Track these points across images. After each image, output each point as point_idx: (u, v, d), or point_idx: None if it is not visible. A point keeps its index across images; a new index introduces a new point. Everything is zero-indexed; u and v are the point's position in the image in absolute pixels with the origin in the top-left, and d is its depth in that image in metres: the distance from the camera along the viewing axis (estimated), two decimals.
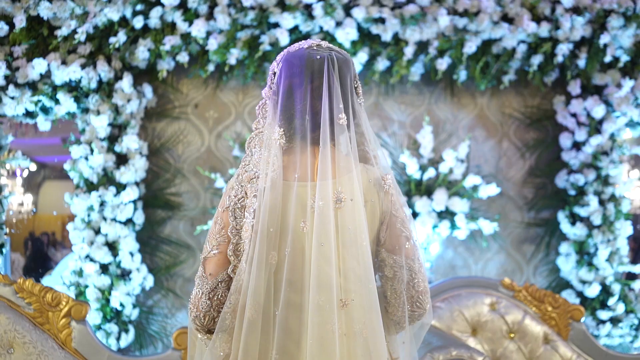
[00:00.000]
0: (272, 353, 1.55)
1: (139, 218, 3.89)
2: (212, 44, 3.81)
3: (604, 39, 3.98)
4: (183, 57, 3.87)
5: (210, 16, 3.83)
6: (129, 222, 3.86)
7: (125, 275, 3.84)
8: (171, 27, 3.85)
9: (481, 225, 3.95)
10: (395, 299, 1.69)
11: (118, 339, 3.81)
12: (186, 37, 3.85)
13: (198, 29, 3.76)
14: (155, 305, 4.06)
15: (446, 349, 2.36)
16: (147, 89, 3.97)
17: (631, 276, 4.30)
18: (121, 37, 3.75)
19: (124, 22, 3.80)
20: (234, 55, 3.86)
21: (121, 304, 3.78)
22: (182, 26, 3.80)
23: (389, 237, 1.68)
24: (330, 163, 1.61)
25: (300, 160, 1.62)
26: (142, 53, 3.82)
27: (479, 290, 3.13)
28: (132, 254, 3.84)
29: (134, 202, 3.86)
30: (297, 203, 1.60)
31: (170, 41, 3.79)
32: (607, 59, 4.03)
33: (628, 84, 4.02)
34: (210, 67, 3.94)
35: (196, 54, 3.94)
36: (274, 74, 1.70)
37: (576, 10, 4.00)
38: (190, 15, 3.81)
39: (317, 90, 1.63)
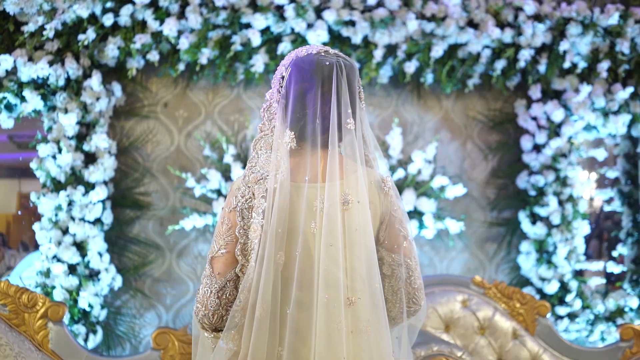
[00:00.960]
0: (279, 350, 1.59)
1: (108, 218, 3.85)
2: (184, 43, 3.80)
3: (563, 45, 4.15)
4: (154, 56, 3.85)
5: (181, 15, 3.82)
6: (97, 221, 3.81)
7: (93, 275, 3.80)
8: (142, 26, 3.82)
9: (448, 224, 4.06)
10: (392, 295, 1.75)
11: (86, 340, 3.76)
12: (157, 36, 3.83)
13: (170, 27, 3.75)
14: (124, 306, 4.02)
15: (427, 345, 2.44)
16: (117, 88, 3.93)
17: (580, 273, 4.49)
18: (90, 34, 3.70)
19: (93, 19, 3.75)
20: (205, 54, 3.86)
21: (89, 305, 3.73)
22: (153, 25, 3.77)
23: (388, 237, 1.74)
24: (338, 165, 1.67)
25: (310, 162, 1.67)
26: (111, 51, 3.78)
27: (452, 287, 3.23)
28: (100, 254, 3.79)
29: (103, 201, 3.82)
30: (307, 204, 1.64)
31: (141, 39, 3.76)
32: (566, 64, 4.20)
33: (585, 89, 4.20)
34: (181, 67, 3.93)
35: (167, 53, 3.92)
36: (282, 77, 1.73)
37: (537, 18, 4.16)
38: (162, 14, 3.79)
39: (327, 95, 1.68)
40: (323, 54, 1.73)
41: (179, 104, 4.14)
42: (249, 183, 1.68)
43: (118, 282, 3.89)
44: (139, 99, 4.09)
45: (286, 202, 1.63)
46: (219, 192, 3.84)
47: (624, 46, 4.22)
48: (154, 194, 4.09)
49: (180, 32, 3.83)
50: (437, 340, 2.51)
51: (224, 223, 1.70)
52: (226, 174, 3.89)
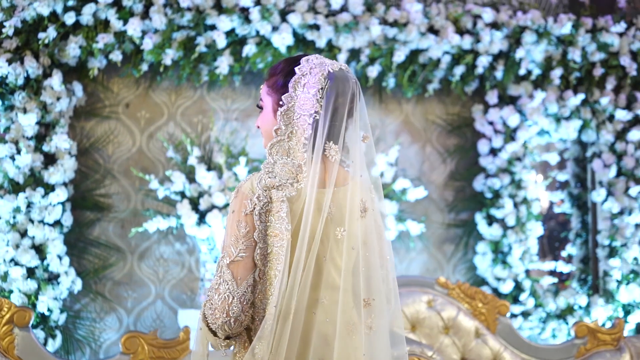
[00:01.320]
0: (306, 352, 1.66)
1: (68, 220, 3.78)
2: (148, 44, 3.76)
3: (519, 53, 4.30)
4: (116, 56, 3.80)
5: (145, 15, 3.78)
6: (57, 224, 3.73)
7: (52, 279, 3.72)
8: (104, 25, 3.76)
9: (409, 226, 4.16)
10: None
11: (45, 345, 3.68)
12: (120, 36, 3.78)
13: (134, 28, 3.71)
14: (83, 310, 3.95)
15: (398, 345, 2.49)
16: (77, 87, 3.86)
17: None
18: (51, 32, 3.62)
19: (54, 17, 3.68)
20: (170, 55, 3.83)
21: (49, 309, 3.65)
22: (116, 24, 3.72)
23: None
24: (357, 175, 1.78)
25: (334, 170, 1.74)
26: (73, 50, 3.71)
27: (417, 288, 3.32)
28: (60, 257, 3.72)
29: (63, 203, 3.74)
30: (335, 210, 1.73)
31: (103, 39, 3.71)
32: (522, 71, 4.35)
33: (539, 95, 4.37)
34: (144, 67, 3.89)
35: (130, 53, 3.87)
36: (322, 89, 1.74)
37: (495, 26, 4.29)
38: (125, 14, 3.74)
39: (352, 111, 1.79)
40: (344, 69, 1.81)
41: (141, 104, 4.10)
42: (266, 187, 1.70)
43: (78, 285, 3.81)
44: (100, 99, 4.03)
45: (312, 208, 1.69)
46: (182, 194, 3.82)
47: (575, 54, 4.39)
48: (115, 195, 4.03)
49: (144, 33, 3.79)
50: (409, 340, 2.58)
51: (240, 227, 1.68)
52: (190, 176, 3.87)
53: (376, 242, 1.77)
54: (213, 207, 3.77)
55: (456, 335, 3.25)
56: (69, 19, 3.66)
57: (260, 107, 1.84)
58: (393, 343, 1.79)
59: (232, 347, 1.72)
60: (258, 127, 1.85)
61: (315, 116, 1.74)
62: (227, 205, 3.75)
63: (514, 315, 4.36)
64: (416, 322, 3.24)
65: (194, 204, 3.80)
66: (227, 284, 1.65)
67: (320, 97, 1.74)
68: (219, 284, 1.65)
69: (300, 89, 1.75)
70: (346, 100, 1.77)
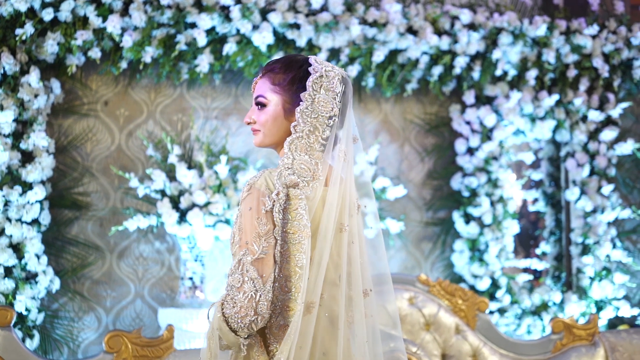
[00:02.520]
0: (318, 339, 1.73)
1: (45, 218, 3.74)
2: (127, 41, 3.74)
3: (495, 54, 4.37)
4: (95, 53, 3.77)
5: (125, 12, 3.76)
6: (34, 222, 3.69)
7: (30, 278, 3.67)
8: (83, 22, 3.73)
9: (388, 224, 4.20)
10: None
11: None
12: (99, 33, 3.75)
13: (113, 25, 3.68)
14: (62, 309, 3.91)
15: (383, 342, 2.52)
16: (55, 84, 3.81)
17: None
18: (28, 29, 3.58)
19: (31, 13, 3.63)
20: (149, 53, 3.81)
21: (26, 308, 3.61)
22: (95, 21, 3.69)
23: None
24: (350, 174, 1.85)
25: (340, 169, 1.81)
26: (51, 47, 3.67)
27: (399, 286, 3.36)
28: (38, 256, 3.67)
29: (41, 202, 3.70)
30: (340, 206, 1.79)
31: (82, 36, 3.67)
32: (498, 72, 4.43)
33: (515, 95, 4.44)
34: (123, 64, 3.86)
35: (109, 50, 3.84)
36: (340, 92, 1.81)
37: (472, 27, 4.35)
38: (104, 10, 3.72)
39: (349, 114, 1.88)
40: (347, 75, 1.89)
41: (120, 102, 4.07)
42: (287, 184, 1.72)
43: (56, 284, 3.77)
44: (79, 97, 4.00)
45: (327, 204, 1.76)
46: (163, 193, 3.81)
47: (550, 56, 4.48)
48: (94, 194, 4.00)
49: (123, 30, 3.77)
50: (391, 337, 2.61)
51: (260, 224, 1.68)
52: (170, 174, 3.85)
53: (363, 238, 1.89)
54: (194, 205, 3.76)
55: (437, 332, 3.29)
56: (47, 15, 3.62)
57: (261, 104, 1.84)
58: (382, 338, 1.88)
59: (230, 351, 1.75)
60: (249, 123, 1.86)
61: (335, 119, 1.80)
62: (208, 203, 3.74)
63: (491, 312, 4.43)
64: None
65: (175, 202, 3.79)
66: (252, 282, 1.64)
67: (339, 101, 1.81)
68: (241, 282, 1.63)
69: (320, 90, 1.79)
70: (350, 104, 1.87)
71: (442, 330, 3.30)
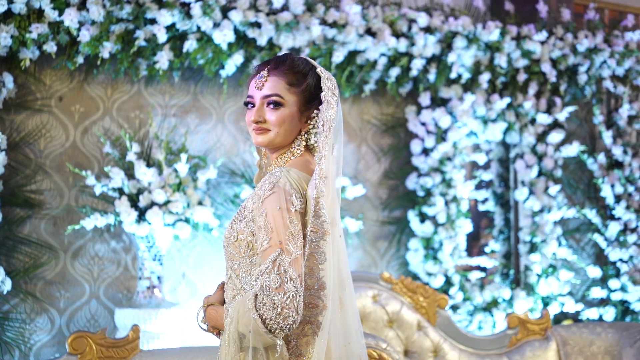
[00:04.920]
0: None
1: None
2: (85, 36, 3.65)
3: (450, 57, 4.48)
4: (51, 47, 3.66)
5: (82, 6, 3.67)
6: None
7: None
8: (38, 14, 3.62)
9: (347, 223, 4.24)
10: None
11: None
12: (55, 26, 3.64)
13: (71, 18, 3.58)
14: (12, 311, 3.78)
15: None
16: (8, 78, 3.68)
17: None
18: None
19: None
20: (107, 48, 3.73)
21: None
22: (51, 14, 3.59)
23: None
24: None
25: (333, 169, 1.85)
26: (4, 39, 3.54)
27: (363, 284, 3.40)
28: None
29: None
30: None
31: (37, 29, 3.56)
32: (453, 75, 4.54)
33: (469, 98, 4.57)
34: (80, 59, 3.77)
35: (65, 45, 3.74)
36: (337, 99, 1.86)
37: (428, 30, 4.45)
38: (61, 4, 3.61)
39: None
40: None
41: (75, 98, 3.97)
42: (318, 183, 1.75)
43: (7, 285, 3.63)
44: (32, 92, 3.87)
45: (336, 203, 1.82)
46: (121, 191, 3.73)
47: (501, 60, 4.63)
48: (47, 192, 3.88)
49: (81, 24, 3.67)
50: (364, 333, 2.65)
51: (292, 223, 1.68)
52: (129, 172, 3.78)
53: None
54: (153, 204, 3.71)
55: (400, 329, 3.36)
56: (0, 6, 3.49)
57: (277, 103, 1.82)
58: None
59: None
60: (258, 121, 1.83)
61: (334, 122, 1.82)
62: (167, 202, 3.70)
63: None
64: (363, 316, 3.32)
65: (133, 201, 3.72)
66: (293, 282, 1.63)
67: (336, 104, 1.84)
68: (280, 282, 1.62)
69: (329, 92, 1.82)
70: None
71: (405, 327, 3.36)
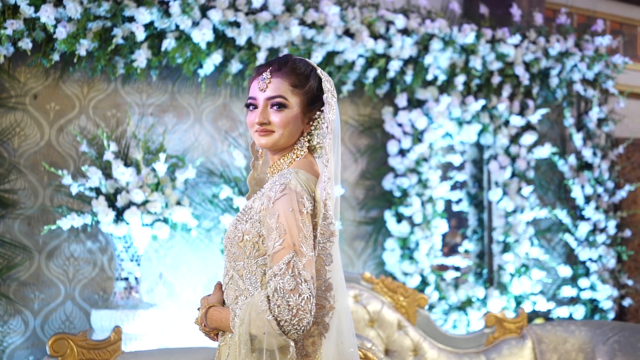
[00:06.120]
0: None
1: None
2: (61, 33, 3.59)
3: (427, 59, 4.53)
4: (26, 44, 3.59)
5: (59, 3, 3.61)
6: None
7: None
8: (13, 10, 3.55)
9: None
10: None
11: None
12: (30, 23, 3.58)
13: (47, 15, 3.52)
14: None
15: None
16: None
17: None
18: None
19: None
20: (84, 46, 3.67)
21: None
22: (26, 10, 3.52)
23: None
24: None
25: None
26: None
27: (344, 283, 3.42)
28: None
29: None
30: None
31: (12, 25, 3.49)
32: (429, 77, 4.59)
33: (445, 100, 4.62)
34: (55, 57, 3.70)
35: (40, 42, 3.67)
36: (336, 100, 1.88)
37: (406, 32, 4.49)
38: (37, 0, 3.55)
39: None
40: None
41: (51, 96, 3.90)
42: (312, 186, 1.75)
43: None
44: (6, 89, 3.79)
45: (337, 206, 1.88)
46: (98, 191, 3.68)
47: (476, 63, 4.70)
48: (21, 191, 3.81)
49: (57, 21, 3.61)
50: None
51: (305, 225, 1.67)
52: (106, 172, 3.73)
53: None
54: (131, 204, 3.66)
55: (380, 328, 3.38)
56: None
57: (281, 105, 1.81)
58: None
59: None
60: (262, 123, 1.82)
61: (333, 124, 1.84)
62: (146, 202, 3.66)
63: None
64: None
65: (111, 200, 3.67)
66: (307, 283, 1.62)
67: (336, 109, 1.86)
68: (295, 284, 1.61)
69: (329, 93, 1.83)
70: None
71: (386, 326, 3.39)
